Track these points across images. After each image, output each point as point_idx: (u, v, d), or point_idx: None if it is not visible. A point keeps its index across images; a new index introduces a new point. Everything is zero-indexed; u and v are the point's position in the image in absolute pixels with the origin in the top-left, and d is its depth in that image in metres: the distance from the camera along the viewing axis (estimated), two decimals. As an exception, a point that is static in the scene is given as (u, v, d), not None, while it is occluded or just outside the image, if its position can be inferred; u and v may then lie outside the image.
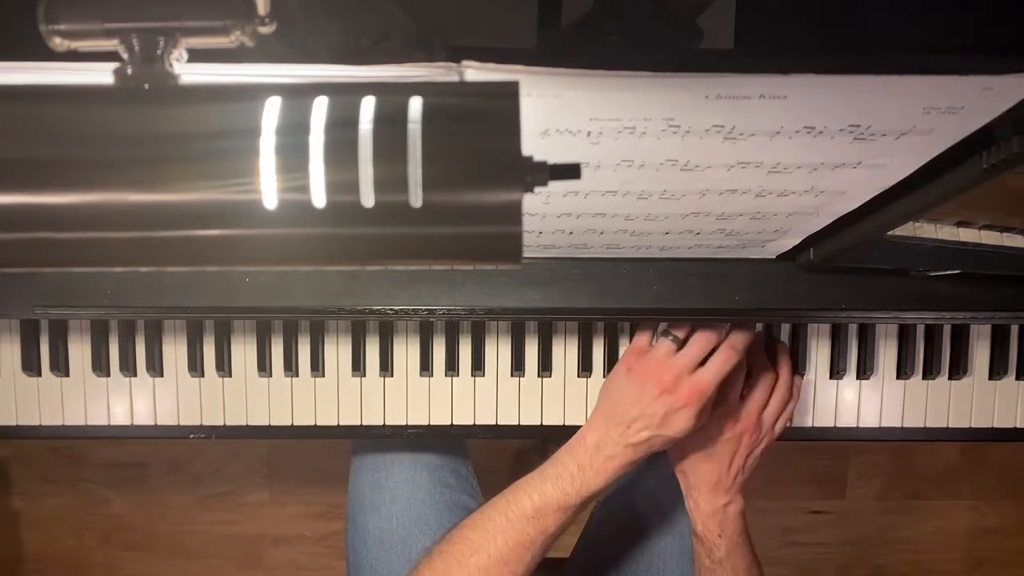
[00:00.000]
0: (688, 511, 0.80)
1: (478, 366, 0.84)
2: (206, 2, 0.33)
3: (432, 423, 0.85)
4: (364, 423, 0.85)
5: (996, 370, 0.87)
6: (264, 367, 0.84)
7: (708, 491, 0.78)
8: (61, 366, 0.83)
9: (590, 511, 1.02)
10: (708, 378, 0.73)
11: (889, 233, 0.62)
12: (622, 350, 0.85)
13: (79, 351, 0.84)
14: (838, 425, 0.88)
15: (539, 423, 0.86)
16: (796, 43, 0.54)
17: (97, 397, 0.84)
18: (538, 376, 0.85)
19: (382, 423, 0.85)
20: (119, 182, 0.30)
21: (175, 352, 0.84)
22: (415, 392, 0.85)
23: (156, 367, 0.84)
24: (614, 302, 0.74)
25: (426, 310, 0.74)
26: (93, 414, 0.85)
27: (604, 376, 0.85)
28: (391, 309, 0.74)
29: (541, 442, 1.42)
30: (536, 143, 0.46)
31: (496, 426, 0.86)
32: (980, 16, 0.52)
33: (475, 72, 0.39)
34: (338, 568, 1.62)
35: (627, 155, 0.49)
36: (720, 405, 0.77)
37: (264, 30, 0.34)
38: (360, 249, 0.31)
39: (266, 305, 0.73)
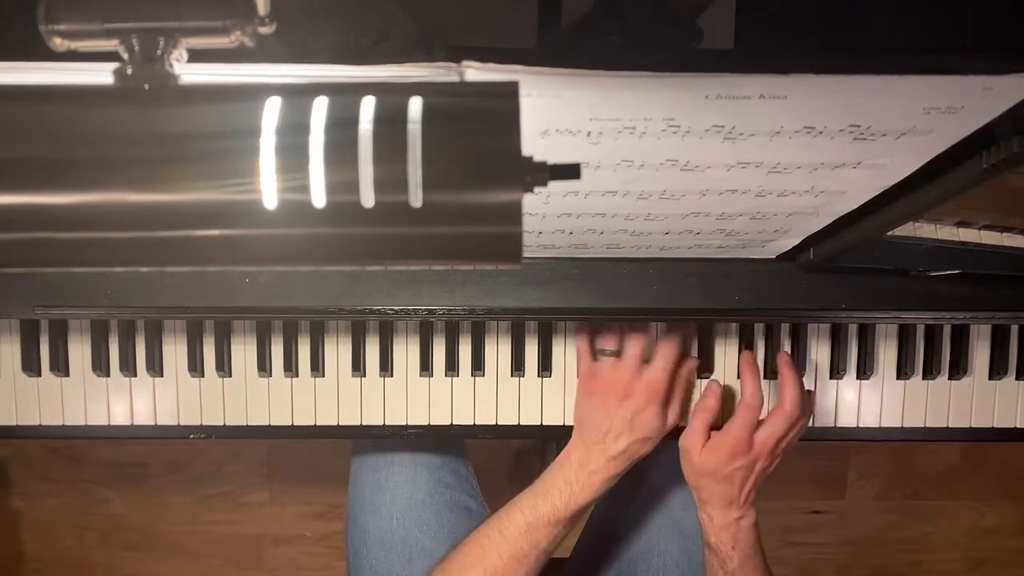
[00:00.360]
0: (701, 523, 0.81)
1: (478, 366, 0.84)
2: (206, 2, 0.33)
3: (432, 423, 0.85)
4: (364, 423, 0.85)
5: (996, 370, 0.87)
6: (264, 367, 0.84)
7: (722, 507, 0.78)
8: (61, 366, 0.83)
9: (590, 511, 1.02)
10: (657, 374, 0.78)
11: (889, 233, 0.62)
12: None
13: (79, 351, 0.84)
14: (838, 425, 0.88)
15: (539, 423, 0.86)
16: (796, 43, 0.54)
17: (97, 397, 0.84)
18: (538, 376, 0.85)
19: (382, 423, 0.85)
20: (119, 182, 0.30)
21: (175, 352, 0.84)
22: (415, 392, 0.85)
23: (156, 367, 0.84)
24: (614, 302, 0.74)
25: (426, 310, 0.74)
26: (93, 414, 0.85)
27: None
28: (391, 309, 0.74)
29: (541, 442, 1.42)
30: (536, 143, 0.46)
31: (496, 426, 0.86)
32: (980, 16, 0.52)
33: (475, 72, 0.39)
34: (338, 568, 1.62)
35: (627, 155, 0.49)
36: (732, 435, 0.77)
37: (264, 30, 0.34)
38: (360, 249, 0.31)
39: (266, 305, 0.73)
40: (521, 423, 0.86)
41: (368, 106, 0.30)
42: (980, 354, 0.87)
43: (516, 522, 0.78)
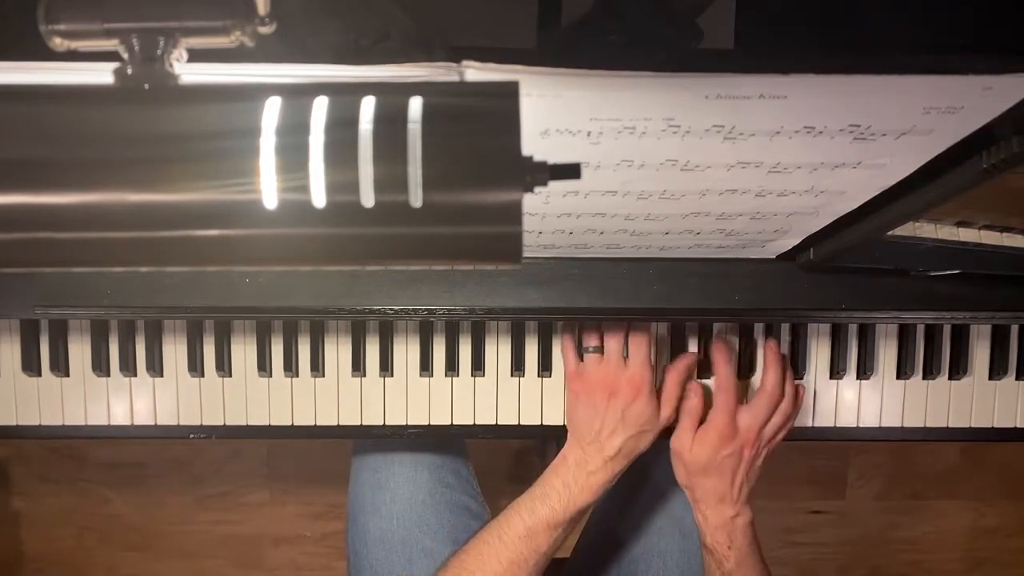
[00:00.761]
0: (697, 524, 0.81)
1: (478, 366, 0.84)
2: (206, 2, 0.33)
3: (432, 423, 0.85)
4: (364, 423, 0.85)
5: (996, 370, 0.87)
6: (264, 367, 0.84)
7: (715, 505, 0.78)
8: (61, 366, 0.83)
9: (591, 512, 1.02)
10: (637, 366, 0.78)
11: (889, 233, 0.62)
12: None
13: (79, 351, 0.84)
14: (838, 425, 0.88)
15: (539, 423, 0.86)
16: (796, 43, 0.54)
17: (97, 397, 0.84)
18: (538, 376, 0.85)
19: (382, 423, 0.85)
20: (119, 182, 0.30)
21: (175, 352, 0.84)
22: (415, 392, 0.85)
23: (156, 367, 0.84)
24: (614, 302, 0.74)
25: (426, 310, 0.74)
26: (93, 414, 0.85)
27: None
28: (391, 309, 0.74)
29: (541, 442, 1.42)
30: (536, 143, 0.46)
31: (496, 426, 0.86)
32: (980, 16, 0.52)
33: (475, 72, 0.39)
34: (338, 568, 1.62)
35: (627, 155, 0.49)
36: (716, 421, 0.77)
37: (264, 30, 0.34)
38: (360, 249, 0.31)
39: (266, 305, 0.73)
40: (521, 423, 0.86)
41: (368, 106, 0.30)
42: (980, 354, 0.87)
43: (515, 527, 0.78)
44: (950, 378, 0.87)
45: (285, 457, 1.60)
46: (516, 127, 0.30)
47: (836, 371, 0.86)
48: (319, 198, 0.30)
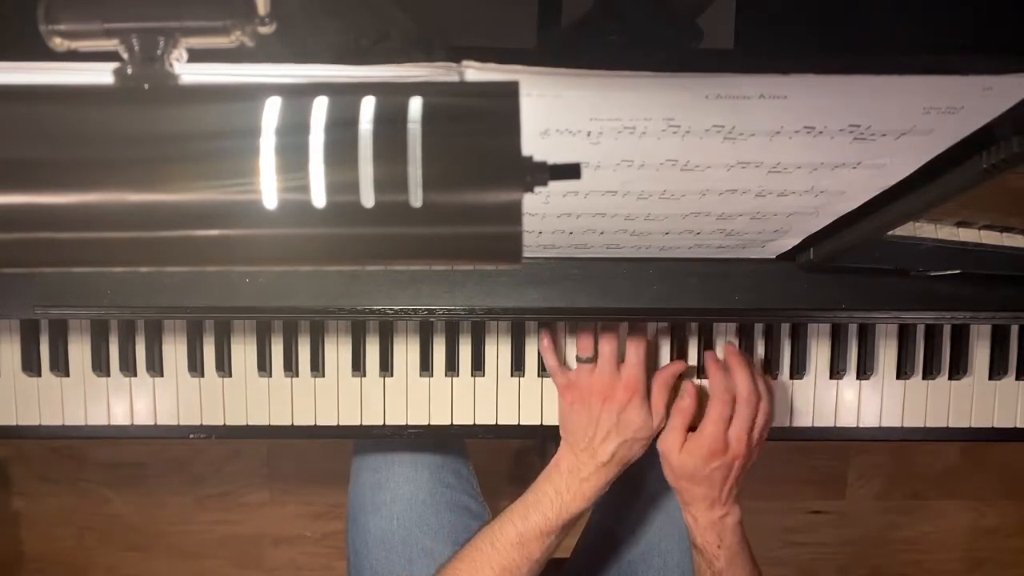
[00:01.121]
0: (686, 525, 0.80)
1: (478, 366, 0.84)
2: (206, 2, 0.33)
3: (432, 423, 0.85)
4: (364, 423, 0.85)
5: (996, 370, 0.87)
6: (264, 367, 0.84)
7: (705, 507, 0.78)
8: (61, 366, 0.83)
9: (590, 512, 1.02)
10: (632, 370, 0.78)
11: (889, 233, 0.62)
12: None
13: (79, 351, 0.84)
14: (838, 425, 0.88)
15: (539, 423, 0.86)
16: (796, 43, 0.54)
17: (97, 397, 0.84)
18: (538, 376, 0.85)
19: (382, 423, 0.85)
20: (119, 182, 0.30)
21: (175, 352, 0.84)
22: (415, 392, 0.85)
23: (156, 367, 0.84)
24: (614, 302, 0.74)
25: (426, 310, 0.74)
26: (93, 414, 0.85)
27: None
28: (391, 309, 0.74)
29: (541, 442, 1.42)
30: (536, 143, 0.46)
31: (496, 426, 0.86)
32: (980, 16, 0.52)
33: (475, 72, 0.39)
34: (338, 568, 1.62)
35: (627, 155, 0.49)
36: (707, 437, 0.77)
37: (264, 30, 0.34)
38: (360, 249, 0.31)
39: (266, 305, 0.73)
40: (521, 423, 0.86)
41: (368, 106, 0.30)
42: (980, 354, 0.87)
43: (508, 534, 0.78)
44: (950, 378, 0.87)
45: (285, 457, 1.60)
46: (516, 127, 0.30)
47: (836, 371, 0.86)
48: (319, 198, 0.30)
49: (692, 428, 0.79)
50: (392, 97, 0.30)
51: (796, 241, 0.67)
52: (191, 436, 0.86)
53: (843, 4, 0.54)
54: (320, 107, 0.30)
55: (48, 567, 1.61)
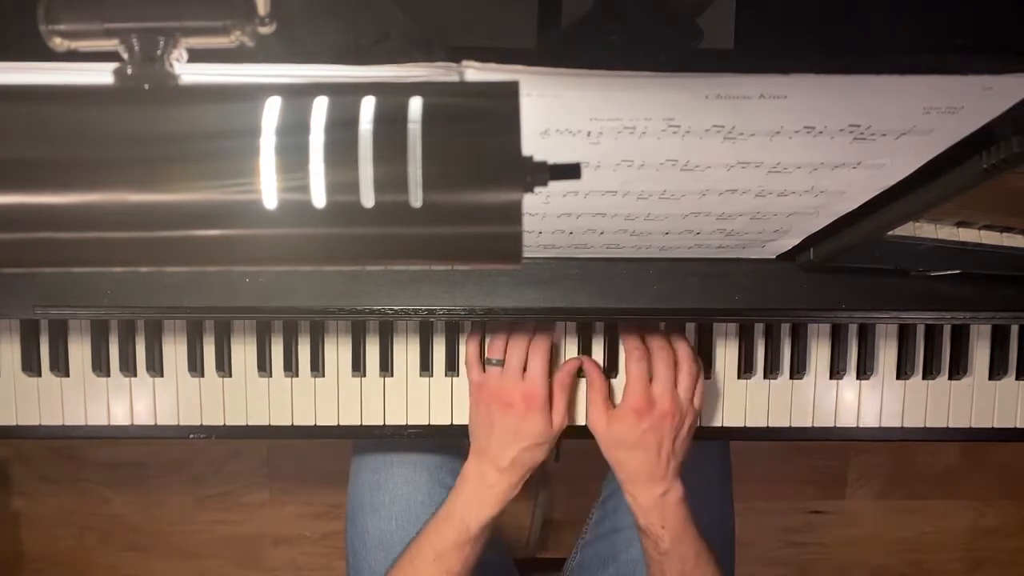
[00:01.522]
0: (630, 507, 0.79)
1: (478, 366, 0.84)
2: (206, 2, 0.33)
3: (432, 423, 0.86)
4: (364, 423, 0.85)
5: (996, 370, 0.87)
6: (264, 367, 0.84)
7: (644, 482, 0.77)
8: (61, 366, 0.83)
9: (590, 513, 1.02)
10: (534, 377, 0.79)
11: (889, 233, 0.62)
12: (621, 350, 0.85)
13: (79, 351, 0.84)
14: (838, 425, 0.88)
15: (539, 423, 0.86)
16: (796, 43, 0.54)
17: (97, 397, 0.84)
18: (538, 376, 0.85)
19: (382, 423, 0.85)
20: (119, 182, 0.30)
21: (175, 352, 0.84)
22: (415, 392, 0.85)
23: (156, 367, 0.84)
24: (614, 302, 0.74)
25: (426, 310, 0.74)
26: (93, 414, 0.85)
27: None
28: (391, 309, 0.74)
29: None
30: (536, 143, 0.46)
31: (496, 426, 0.85)
32: (980, 16, 0.52)
33: (475, 72, 0.39)
34: (338, 568, 1.62)
35: (627, 155, 0.49)
36: (629, 396, 0.77)
37: (264, 30, 0.34)
38: (360, 249, 0.31)
39: (266, 305, 0.73)
40: (521, 423, 0.86)
41: (368, 106, 0.30)
42: (980, 354, 0.87)
43: (424, 552, 0.78)
44: (950, 378, 0.87)
45: (285, 457, 1.60)
46: (516, 127, 0.30)
47: (836, 371, 0.86)
48: (319, 198, 0.30)
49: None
50: (392, 97, 0.30)
51: (796, 241, 0.67)
52: (191, 436, 0.86)
53: (843, 4, 0.54)
54: (320, 107, 0.30)
55: (48, 567, 1.61)
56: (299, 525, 1.62)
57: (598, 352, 0.85)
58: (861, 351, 0.87)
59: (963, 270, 0.73)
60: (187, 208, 0.30)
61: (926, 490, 1.67)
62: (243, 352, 0.84)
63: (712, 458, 0.98)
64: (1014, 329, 0.87)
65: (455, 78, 0.40)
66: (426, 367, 0.84)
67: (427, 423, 0.85)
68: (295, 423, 0.85)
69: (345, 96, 0.31)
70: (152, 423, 0.85)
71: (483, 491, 0.79)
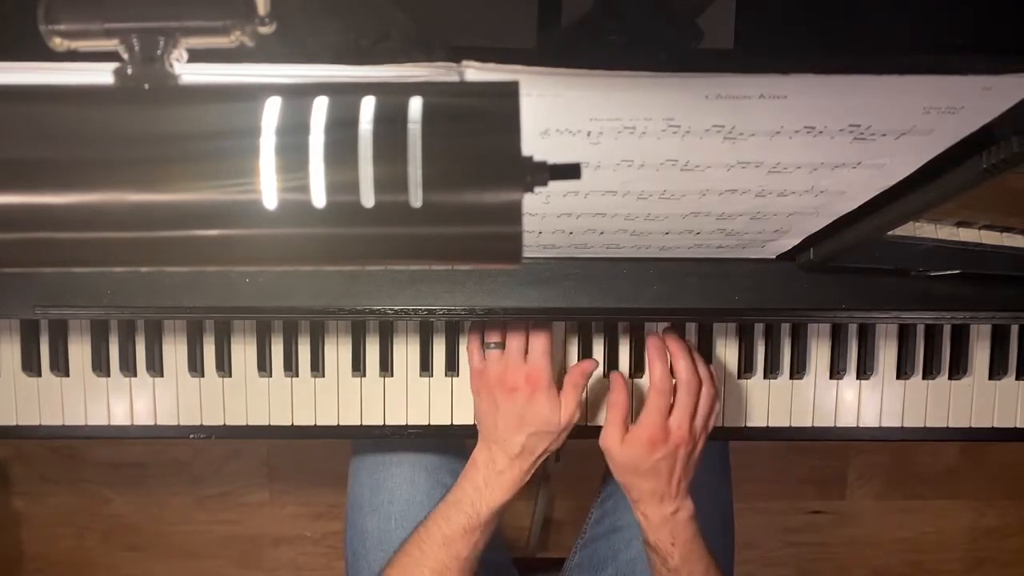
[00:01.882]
0: (638, 523, 0.80)
1: (478, 366, 0.84)
2: (206, 2, 0.33)
3: (432, 423, 0.86)
4: (364, 423, 0.85)
5: (996, 370, 0.87)
6: (264, 367, 0.84)
7: (655, 503, 0.77)
8: (61, 366, 0.83)
9: (590, 513, 1.02)
10: (536, 358, 0.78)
11: (889, 233, 0.62)
12: (621, 350, 0.85)
13: (79, 351, 0.84)
14: (838, 425, 0.88)
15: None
16: (796, 43, 0.54)
17: (97, 397, 0.84)
18: (538, 376, 0.85)
19: (382, 423, 0.85)
20: (119, 182, 0.30)
21: (175, 352, 0.84)
22: (415, 392, 0.85)
23: (156, 367, 0.84)
24: (614, 302, 0.74)
25: (426, 310, 0.74)
26: (93, 414, 0.85)
27: (604, 377, 0.85)
28: (391, 309, 0.74)
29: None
30: (536, 143, 0.46)
31: (496, 426, 0.85)
32: (980, 16, 0.52)
33: (475, 72, 0.39)
34: (338, 568, 1.62)
35: (627, 155, 0.49)
36: (646, 426, 0.77)
37: (264, 30, 0.34)
38: (360, 249, 0.31)
39: (266, 305, 0.73)
40: (521, 423, 0.86)
41: (368, 106, 0.30)
42: (980, 354, 0.87)
43: (434, 536, 0.78)
44: (950, 378, 0.87)
45: (285, 457, 1.60)
46: (516, 127, 0.30)
47: (836, 371, 0.86)
48: (319, 198, 0.30)
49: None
50: (392, 97, 0.30)
51: (796, 241, 0.67)
52: (191, 436, 0.86)
53: (843, 4, 0.54)
54: (320, 107, 0.30)
55: (48, 567, 1.61)
56: (299, 525, 1.62)
57: (598, 352, 0.85)
58: (861, 351, 0.87)
59: (963, 270, 0.73)
60: (187, 208, 0.30)
61: (926, 490, 1.67)
62: (243, 352, 0.84)
63: (712, 458, 0.98)
64: (1014, 329, 0.87)
65: (455, 78, 0.40)
66: (426, 367, 0.84)
67: (427, 423, 0.85)
68: (295, 423, 0.85)
69: (345, 96, 0.31)
70: (152, 423, 0.85)
71: (493, 477, 0.78)
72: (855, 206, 0.58)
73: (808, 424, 0.87)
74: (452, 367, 0.84)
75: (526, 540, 1.41)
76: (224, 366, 0.84)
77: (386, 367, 0.84)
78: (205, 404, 0.85)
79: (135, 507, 1.60)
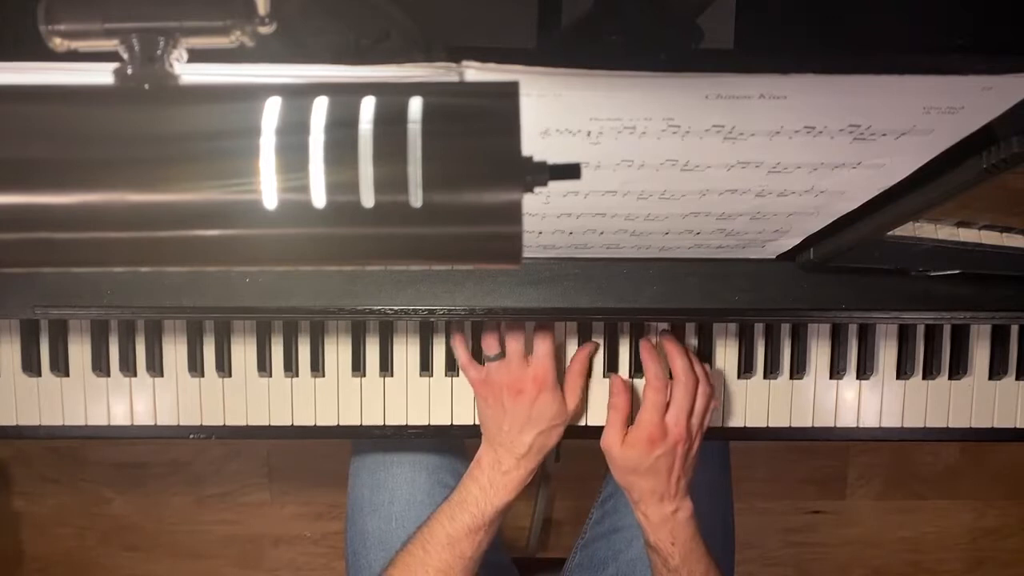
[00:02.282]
0: (640, 525, 0.80)
1: (478, 366, 0.84)
2: (206, 2, 0.33)
3: (432, 423, 0.85)
4: (364, 423, 0.85)
5: (996, 370, 0.87)
6: (264, 367, 0.84)
7: (655, 502, 0.78)
8: (61, 366, 0.83)
9: (590, 512, 1.02)
10: (541, 361, 0.80)
11: (889, 233, 0.62)
12: (621, 351, 0.85)
13: (79, 351, 0.84)
14: (838, 425, 0.88)
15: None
16: (796, 43, 0.54)
17: (97, 397, 0.84)
18: (538, 376, 0.85)
19: (382, 423, 0.85)
20: (119, 182, 0.30)
21: (175, 352, 0.84)
22: (415, 392, 0.85)
23: (156, 367, 0.84)
24: (614, 302, 0.74)
25: (426, 310, 0.74)
26: (93, 414, 0.85)
27: (604, 377, 0.85)
28: (391, 309, 0.74)
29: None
30: (536, 143, 0.46)
31: (496, 426, 0.85)
32: (980, 16, 0.52)
33: (475, 72, 0.39)
34: (338, 568, 1.62)
35: (627, 155, 0.49)
36: (644, 424, 0.77)
37: (264, 30, 0.34)
38: (360, 249, 0.31)
39: (266, 305, 0.73)
40: (521, 423, 0.85)
41: (368, 106, 0.30)
42: (980, 354, 0.87)
43: (438, 536, 0.78)
44: (950, 378, 0.87)
45: (285, 457, 1.60)
46: (516, 127, 0.30)
47: (836, 371, 0.86)
48: (319, 198, 0.30)
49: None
50: (392, 97, 0.30)
51: (796, 241, 0.67)
52: (191, 436, 0.86)
53: (843, 4, 0.54)
54: (320, 107, 0.30)
55: (48, 567, 1.61)
56: (299, 525, 1.62)
57: (598, 352, 0.85)
58: (861, 351, 0.87)
59: (963, 270, 0.73)
60: (187, 208, 0.30)
61: (926, 490, 1.67)
62: (243, 352, 0.84)
63: (712, 458, 0.98)
64: (1014, 329, 0.87)
65: (455, 78, 0.40)
66: (426, 367, 0.84)
67: (427, 423, 0.85)
68: (295, 423, 0.85)
69: (345, 96, 0.31)
70: (152, 423, 0.85)
71: (498, 477, 0.79)
72: (855, 206, 0.58)
73: (808, 424, 0.87)
74: (452, 367, 0.84)
75: (526, 540, 1.41)
76: (224, 366, 0.84)
77: (386, 367, 0.84)
78: (205, 404, 0.84)
79: (135, 507, 1.60)
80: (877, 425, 0.87)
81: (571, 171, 0.33)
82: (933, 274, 0.74)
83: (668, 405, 0.78)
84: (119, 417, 0.85)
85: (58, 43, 0.34)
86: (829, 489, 1.66)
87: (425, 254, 0.32)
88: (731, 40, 0.54)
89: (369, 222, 0.30)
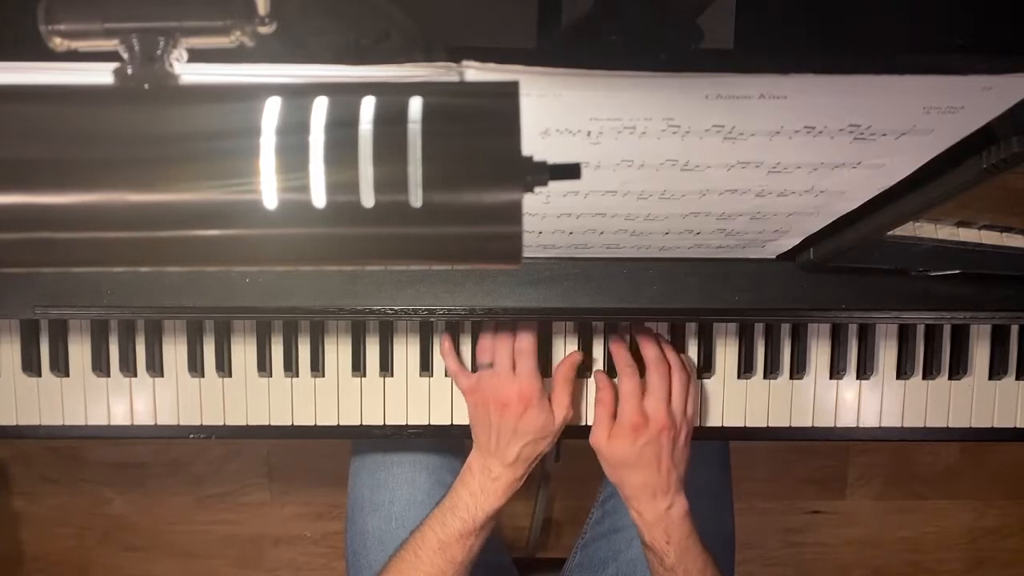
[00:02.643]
0: (635, 524, 0.80)
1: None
2: (206, 2, 0.33)
3: (432, 423, 0.86)
4: (364, 423, 0.85)
5: (996, 370, 0.87)
6: (264, 367, 0.84)
7: (648, 498, 0.78)
8: (61, 366, 0.83)
9: (590, 513, 1.02)
10: (524, 374, 0.79)
11: (889, 233, 0.62)
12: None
13: (79, 351, 0.84)
14: (838, 425, 0.88)
15: (539, 423, 0.85)
16: (796, 43, 0.54)
17: (97, 397, 0.84)
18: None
19: (382, 423, 0.85)
20: (119, 182, 0.30)
21: (175, 352, 0.84)
22: (415, 392, 0.85)
23: (156, 367, 0.84)
24: (614, 302, 0.74)
25: (426, 310, 0.74)
26: (93, 414, 0.85)
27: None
28: (391, 309, 0.74)
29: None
30: (536, 143, 0.46)
31: (496, 426, 0.85)
32: (980, 16, 0.52)
33: (475, 72, 0.39)
34: (338, 568, 1.62)
35: (627, 155, 0.49)
36: (624, 413, 0.78)
37: (264, 30, 0.34)
38: (360, 249, 0.31)
39: (266, 305, 0.73)
40: (521, 423, 0.85)
41: (368, 106, 0.30)
42: (980, 354, 0.87)
43: (429, 541, 0.79)
44: (950, 378, 0.87)
45: (285, 457, 1.60)
46: (516, 127, 0.30)
47: (836, 371, 0.86)
48: (319, 198, 0.30)
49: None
50: (392, 97, 0.30)
51: (796, 241, 0.67)
52: (191, 436, 0.86)
53: (843, 4, 0.54)
54: (320, 107, 0.30)
55: (48, 567, 1.61)
56: (299, 525, 1.62)
57: (598, 352, 0.85)
58: (861, 351, 0.87)
59: (963, 270, 0.73)
60: (187, 208, 0.30)
61: (926, 490, 1.67)
62: (243, 352, 0.84)
63: (712, 459, 0.98)
64: (1014, 329, 0.87)
65: (455, 78, 0.40)
66: (426, 367, 0.84)
67: (427, 423, 0.85)
68: (295, 423, 0.85)
69: (345, 96, 0.31)
70: (152, 423, 0.85)
71: (488, 483, 0.79)
72: (855, 206, 0.58)
73: (808, 424, 0.87)
74: (452, 367, 0.84)
75: (526, 540, 1.41)
76: (224, 366, 0.84)
77: (386, 367, 0.84)
78: (205, 404, 0.84)
79: (135, 507, 1.60)
80: (877, 425, 0.88)
81: (571, 171, 0.33)
82: (933, 274, 0.74)
83: (645, 394, 0.78)
84: (119, 417, 0.85)
85: (58, 43, 0.34)
86: (829, 489, 1.66)
87: (425, 254, 0.32)
88: (731, 40, 0.54)
89: (369, 222, 0.30)
